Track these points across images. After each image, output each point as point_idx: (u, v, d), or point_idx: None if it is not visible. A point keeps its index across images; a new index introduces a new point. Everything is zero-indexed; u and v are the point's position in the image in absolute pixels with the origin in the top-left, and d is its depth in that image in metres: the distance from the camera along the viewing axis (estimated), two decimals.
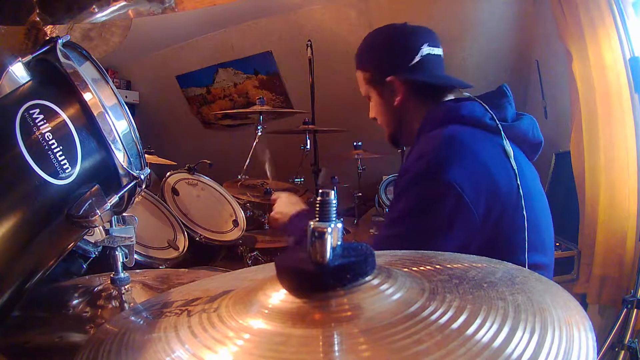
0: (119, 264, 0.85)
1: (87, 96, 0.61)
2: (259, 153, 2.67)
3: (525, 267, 1.06)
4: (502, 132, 1.13)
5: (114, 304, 0.84)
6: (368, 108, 1.39)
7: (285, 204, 1.48)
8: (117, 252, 0.84)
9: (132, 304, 0.83)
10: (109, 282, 0.86)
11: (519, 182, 1.08)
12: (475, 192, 1.05)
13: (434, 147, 1.10)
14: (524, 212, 1.07)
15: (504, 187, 1.09)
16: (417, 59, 1.22)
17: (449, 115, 1.17)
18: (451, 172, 1.05)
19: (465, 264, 0.57)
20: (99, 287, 0.89)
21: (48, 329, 0.76)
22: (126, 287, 0.85)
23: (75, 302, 0.86)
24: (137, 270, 1.05)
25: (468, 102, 1.18)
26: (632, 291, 1.95)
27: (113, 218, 0.81)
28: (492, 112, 1.15)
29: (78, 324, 0.79)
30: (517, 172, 1.09)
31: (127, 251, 0.85)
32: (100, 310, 0.83)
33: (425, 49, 1.23)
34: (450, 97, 1.27)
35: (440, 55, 1.27)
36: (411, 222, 1.09)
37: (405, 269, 0.54)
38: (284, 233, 1.50)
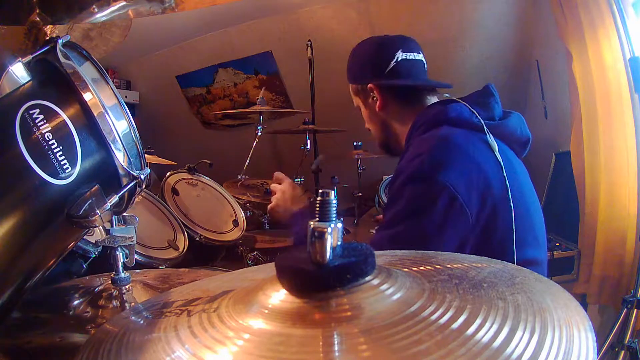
0: (120, 264, 0.84)
1: (87, 96, 0.60)
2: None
3: (514, 261, 1.08)
4: (485, 128, 1.17)
5: (114, 304, 0.84)
6: None
7: (288, 198, 1.45)
8: (117, 252, 0.84)
9: (132, 304, 0.83)
10: (110, 282, 0.86)
11: (505, 174, 1.11)
12: (469, 192, 1.07)
13: (427, 149, 1.12)
14: (512, 204, 1.09)
15: (495, 184, 1.11)
16: (392, 64, 1.29)
17: (438, 118, 1.20)
18: (445, 173, 1.07)
19: (465, 264, 0.57)
20: (100, 287, 0.89)
21: (49, 329, 0.76)
22: (127, 287, 0.85)
23: (75, 302, 0.86)
24: (138, 270, 1.05)
25: (455, 104, 1.22)
26: (632, 291, 1.95)
27: (113, 218, 0.81)
28: (476, 112, 1.19)
29: (79, 324, 0.79)
30: (503, 165, 1.12)
31: (127, 251, 0.85)
32: (101, 310, 0.83)
33: (400, 55, 1.29)
34: (432, 99, 1.32)
35: (419, 60, 1.33)
36: (406, 223, 1.09)
37: (405, 269, 0.54)
38: (284, 226, 1.48)
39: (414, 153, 1.14)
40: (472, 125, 1.18)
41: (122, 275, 0.85)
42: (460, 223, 1.07)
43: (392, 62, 1.29)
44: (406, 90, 1.32)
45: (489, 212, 1.09)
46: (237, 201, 2.30)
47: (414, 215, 1.09)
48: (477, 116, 1.18)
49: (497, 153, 1.14)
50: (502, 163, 1.13)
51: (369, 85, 1.32)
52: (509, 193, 1.10)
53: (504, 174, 1.11)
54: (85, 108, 0.61)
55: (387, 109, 1.33)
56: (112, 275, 0.85)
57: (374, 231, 2.65)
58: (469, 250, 1.09)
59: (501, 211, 1.10)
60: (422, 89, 1.33)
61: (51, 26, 0.98)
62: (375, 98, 1.33)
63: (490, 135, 1.16)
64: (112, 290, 0.86)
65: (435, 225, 1.06)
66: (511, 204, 1.09)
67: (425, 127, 1.21)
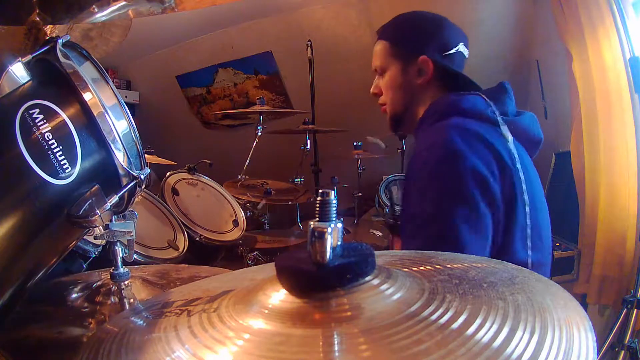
0: (119, 259, 0.84)
1: (87, 96, 0.60)
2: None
3: (528, 262, 1.06)
4: (499, 120, 1.14)
5: (113, 299, 0.84)
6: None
7: None
8: (116, 247, 0.83)
9: (131, 300, 0.83)
10: (109, 277, 0.85)
11: (518, 166, 1.09)
12: (492, 176, 1.06)
13: (444, 137, 1.10)
14: (525, 197, 1.08)
15: (510, 176, 1.09)
16: (453, 50, 1.27)
17: (451, 108, 1.18)
18: (468, 158, 1.06)
19: (465, 264, 0.57)
20: (99, 283, 0.89)
21: (47, 324, 0.76)
22: (126, 282, 0.85)
23: (74, 296, 0.86)
24: (136, 266, 1.04)
25: (470, 96, 1.20)
26: (632, 291, 1.95)
27: None
28: (493, 106, 1.16)
29: (77, 318, 0.78)
30: (516, 155, 1.11)
31: (127, 251, 0.85)
32: (99, 305, 0.82)
33: (461, 47, 1.28)
34: None
35: (466, 58, 1.32)
36: (449, 215, 1.06)
37: (405, 269, 0.54)
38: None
39: (428, 143, 1.12)
40: (485, 117, 1.15)
41: (121, 270, 0.84)
42: (491, 205, 1.05)
43: (455, 48, 1.26)
44: (456, 79, 1.27)
45: (506, 204, 1.07)
46: (237, 201, 2.30)
47: (452, 206, 1.05)
48: (493, 109, 1.15)
49: (511, 145, 1.11)
50: (515, 154, 1.10)
51: (423, 57, 1.25)
52: (524, 187, 1.08)
53: (518, 166, 1.09)
54: (85, 108, 0.61)
55: (427, 87, 1.28)
56: (111, 270, 0.85)
57: (374, 231, 2.66)
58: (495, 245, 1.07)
59: (511, 207, 1.08)
60: (465, 83, 1.29)
61: (51, 26, 0.98)
62: (422, 71, 1.27)
63: (505, 126, 1.14)
64: (111, 286, 0.85)
65: (476, 209, 1.04)
66: (525, 198, 1.08)
67: (437, 116, 1.19)
